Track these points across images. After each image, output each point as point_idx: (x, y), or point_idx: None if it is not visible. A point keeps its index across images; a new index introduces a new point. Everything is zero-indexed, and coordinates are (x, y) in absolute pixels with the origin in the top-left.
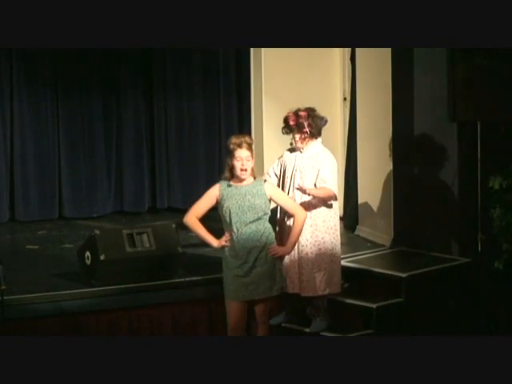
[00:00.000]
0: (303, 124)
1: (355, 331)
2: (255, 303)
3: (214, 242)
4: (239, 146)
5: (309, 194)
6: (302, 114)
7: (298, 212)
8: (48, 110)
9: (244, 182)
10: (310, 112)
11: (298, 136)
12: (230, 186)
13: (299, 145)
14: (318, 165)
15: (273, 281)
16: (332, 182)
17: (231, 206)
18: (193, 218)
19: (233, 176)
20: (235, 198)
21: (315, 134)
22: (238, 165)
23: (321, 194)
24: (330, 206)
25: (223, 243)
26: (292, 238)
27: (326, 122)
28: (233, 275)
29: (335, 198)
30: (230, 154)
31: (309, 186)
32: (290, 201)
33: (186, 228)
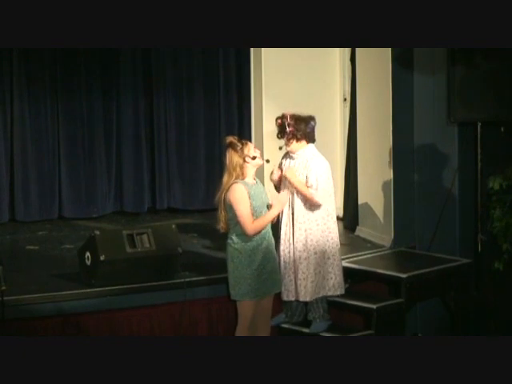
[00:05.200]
0: (285, 126)
1: (356, 332)
2: (264, 300)
3: (275, 198)
4: (248, 141)
5: (289, 182)
6: (286, 116)
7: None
8: (48, 110)
9: (252, 180)
10: (302, 118)
11: (284, 139)
12: (250, 184)
13: (287, 147)
14: (306, 171)
15: (279, 275)
16: (319, 188)
17: (259, 206)
18: (252, 223)
19: (243, 175)
20: (259, 196)
21: (300, 137)
22: (259, 157)
23: (300, 189)
24: (320, 209)
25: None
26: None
27: (314, 125)
28: (250, 274)
29: (318, 205)
30: (242, 149)
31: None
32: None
33: (185, 229)
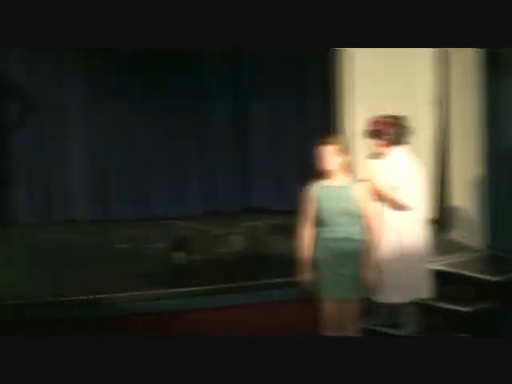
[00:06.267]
0: (381, 132)
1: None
2: (345, 303)
3: (302, 274)
4: (322, 144)
5: (378, 195)
6: (382, 121)
7: (369, 225)
8: (138, 108)
9: (337, 183)
10: (392, 120)
11: (375, 142)
12: (323, 186)
13: (377, 150)
14: (396, 173)
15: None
16: (406, 189)
17: (323, 209)
18: (308, 231)
19: (326, 176)
20: (327, 200)
21: (394, 142)
22: (321, 161)
23: (385, 193)
24: (410, 211)
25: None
26: (370, 259)
27: (411, 132)
28: (326, 274)
29: (408, 207)
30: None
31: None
32: (369, 210)
33: (276, 230)
